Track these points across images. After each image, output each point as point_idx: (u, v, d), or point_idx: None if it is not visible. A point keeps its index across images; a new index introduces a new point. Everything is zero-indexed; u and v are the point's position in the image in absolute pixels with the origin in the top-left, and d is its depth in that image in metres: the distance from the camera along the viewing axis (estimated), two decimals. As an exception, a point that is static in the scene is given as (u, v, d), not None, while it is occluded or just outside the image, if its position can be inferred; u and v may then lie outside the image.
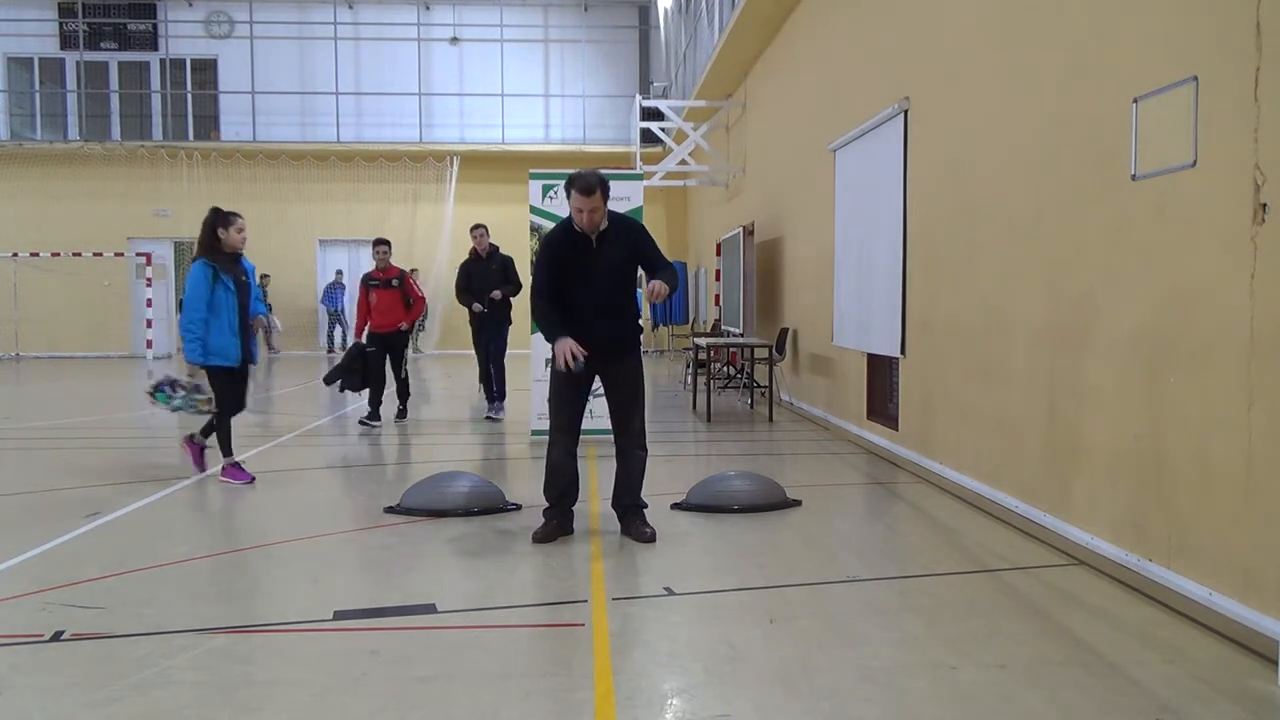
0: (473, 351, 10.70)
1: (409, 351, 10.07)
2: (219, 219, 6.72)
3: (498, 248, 10.11)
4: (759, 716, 3.04)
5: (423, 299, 10.10)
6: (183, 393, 7.08)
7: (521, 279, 9.62)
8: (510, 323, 10.36)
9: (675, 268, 5.25)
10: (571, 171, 5.17)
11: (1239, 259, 3.65)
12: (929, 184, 7.12)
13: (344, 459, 8.02)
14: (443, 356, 21.16)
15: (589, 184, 4.95)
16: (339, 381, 9.71)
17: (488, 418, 10.14)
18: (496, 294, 9.82)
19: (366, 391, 9.91)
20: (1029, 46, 5.49)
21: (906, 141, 7.50)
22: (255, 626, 3.87)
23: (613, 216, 5.18)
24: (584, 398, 5.29)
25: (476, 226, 10.17)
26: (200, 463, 7.03)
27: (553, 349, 5.00)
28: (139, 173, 21.67)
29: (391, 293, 9.80)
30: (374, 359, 9.69)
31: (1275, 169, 3.48)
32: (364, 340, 9.81)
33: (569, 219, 5.13)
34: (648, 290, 5.04)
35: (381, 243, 9.99)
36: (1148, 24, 4.32)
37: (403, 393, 10.17)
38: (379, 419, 9.73)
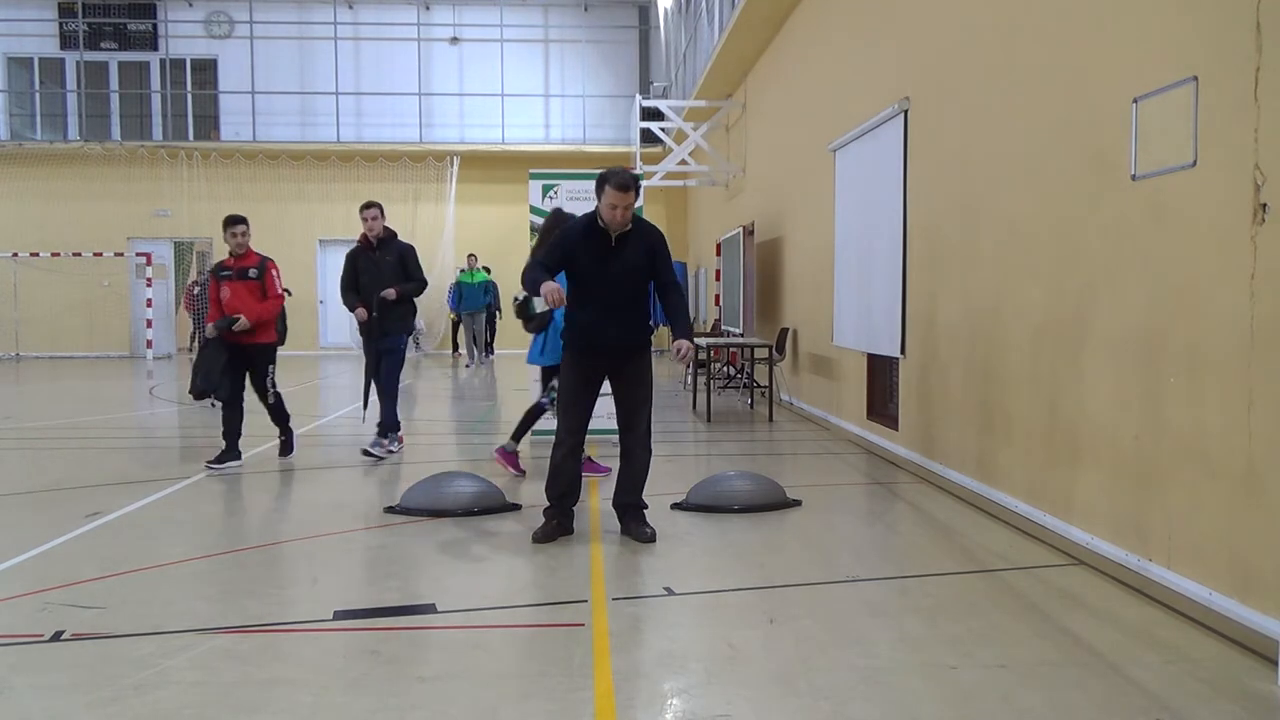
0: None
1: (274, 368, 7.65)
2: (562, 219, 6.91)
3: (394, 234, 7.97)
4: (759, 716, 3.04)
5: (280, 297, 7.70)
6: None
7: (426, 275, 7.95)
8: (412, 330, 8.20)
9: (678, 277, 5.26)
10: (603, 169, 5.11)
11: (1239, 259, 3.65)
12: (929, 184, 7.13)
13: (344, 459, 8.01)
14: (439, 357, 21.15)
15: (625, 181, 4.95)
16: (202, 389, 7.57)
17: (365, 452, 7.75)
18: (390, 292, 7.62)
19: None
20: (1029, 47, 5.49)
21: (906, 141, 7.50)
22: (255, 626, 3.87)
23: (637, 222, 5.20)
24: (595, 400, 5.30)
25: (368, 206, 7.83)
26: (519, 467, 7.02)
27: (540, 292, 4.90)
28: (139, 173, 21.68)
29: (248, 286, 7.50)
30: (228, 376, 7.46)
31: (1275, 169, 3.48)
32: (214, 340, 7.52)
33: (593, 214, 5.13)
34: (673, 351, 5.04)
35: (237, 221, 7.57)
36: (1148, 24, 4.32)
37: (279, 419, 7.77)
38: (237, 456, 7.48)
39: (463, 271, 18.11)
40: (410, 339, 8.02)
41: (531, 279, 5.03)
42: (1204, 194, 3.88)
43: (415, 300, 7.98)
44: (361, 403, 7.99)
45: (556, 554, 4.96)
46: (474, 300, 17.78)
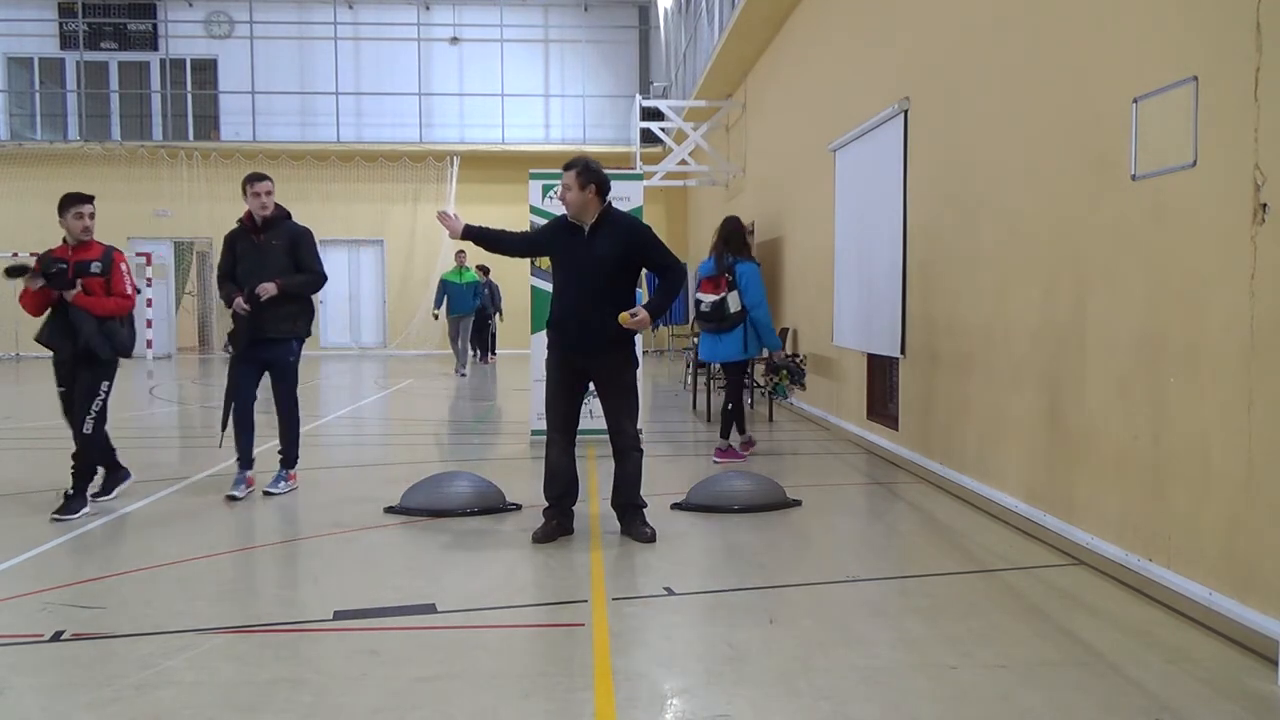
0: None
1: (108, 387, 5.92)
2: (744, 227, 7.86)
3: (287, 214, 6.39)
4: (759, 716, 3.04)
5: (131, 298, 6.06)
6: (798, 375, 8.04)
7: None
8: (305, 335, 6.42)
9: (677, 281, 5.27)
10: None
11: (1239, 259, 3.65)
12: (929, 184, 7.12)
13: (344, 459, 8.01)
14: (433, 357, 21.16)
15: (569, 162, 5.14)
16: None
17: (266, 493, 6.33)
18: (268, 287, 6.05)
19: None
20: (1029, 46, 5.49)
21: (906, 142, 7.50)
22: (255, 626, 3.87)
23: (613, 213, 5.22)
24: (579, 397, 5.31)
25: (260, 178, 6.25)
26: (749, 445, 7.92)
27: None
28: (139, 173, 21.67)
29: (90, 283, 5.89)
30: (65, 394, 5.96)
31: (1275, 169, 3.48)
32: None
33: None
34: (628, 315, 5.01)
35: (84, 200, 5.98)
36: (1148, 24, 4.32)
37: (88, 455, 5.91)
38: (85, 503, 5.82)
39: (450, 271, 16.66)
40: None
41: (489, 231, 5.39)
42: (1204, 194, 3.88)
43: (313, 299, 6.49)
44: (220, 424, 6.30)
45: (556, 554, 4.96)
46: (462, 302, 16.29)
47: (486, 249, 5.46)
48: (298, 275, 6.26)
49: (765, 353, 7.94)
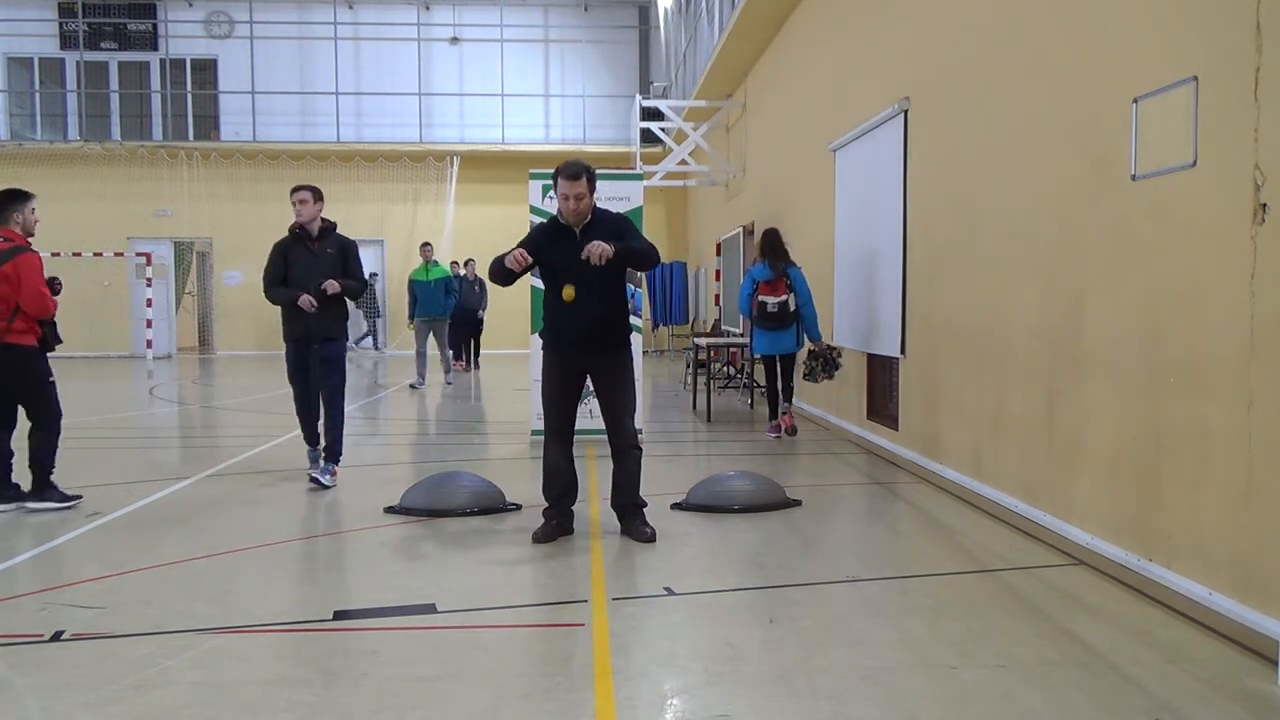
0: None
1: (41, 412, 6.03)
2: (781, 237, 8.91)
3: (334, 225, 6.88)
4: (759, 716, 3.04)
5: (51, 301, 5.85)
6: (832, 365, 8.84)
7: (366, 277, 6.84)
8: (348, 337, 7.11)
9: (653, 252, 5.19)
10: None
11: (1239, 259, 3.65)
12: (929, 184, 7.13)
13: (344, 459, 8.00)
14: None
15: (574, 170, 5.03)
16: None
17: (314, 480, 6.69)
18: (332, 284, 6.53)
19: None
20: (1028, 46, 5.49)
21: (906, 142, 7.50)
22: (255, 626, 3.87)
23: (599, 212, 5.22)
24: (577, 397, 5.31)
25: (300, 189, 6.71)
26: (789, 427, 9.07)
27: (506, 260, 4.94)
28: (139, 173, 21.67)
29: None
30: None
31: (1275, 169, 3.48)
32: None
33: (556, 214, 5.21)
34: (586, 248, 4.83)
35: (29, 194, 5.82)
36: (1148, 24, 4.32)
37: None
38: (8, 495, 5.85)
39: (416, 269, 14.20)
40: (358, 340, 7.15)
41: (496, 260, 5.05)
42: (1204, 194, 3.88)
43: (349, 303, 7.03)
44: (303, 433, 6.92)
45: (556, 554, 4.96)
46: (432, 303, 13.90)
47: (508, 284, 5.22)
48: (350, 282, 6.76)
49: (808, 342, 8.97)
